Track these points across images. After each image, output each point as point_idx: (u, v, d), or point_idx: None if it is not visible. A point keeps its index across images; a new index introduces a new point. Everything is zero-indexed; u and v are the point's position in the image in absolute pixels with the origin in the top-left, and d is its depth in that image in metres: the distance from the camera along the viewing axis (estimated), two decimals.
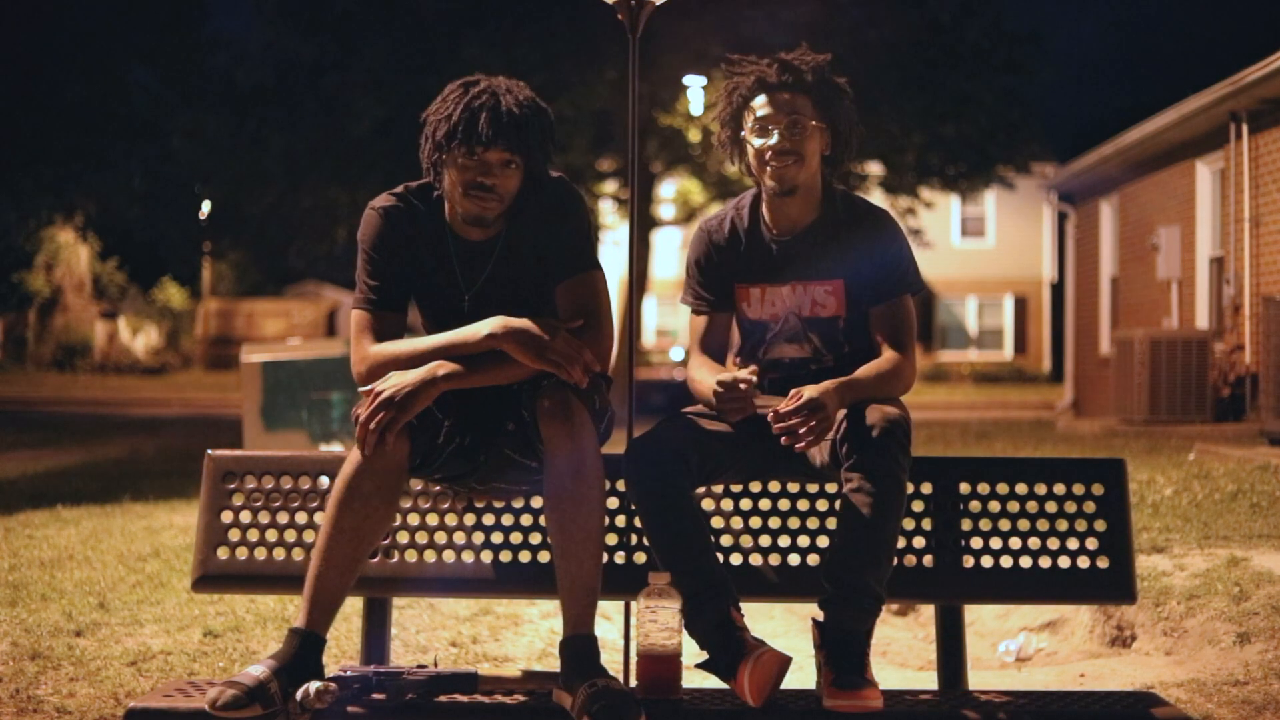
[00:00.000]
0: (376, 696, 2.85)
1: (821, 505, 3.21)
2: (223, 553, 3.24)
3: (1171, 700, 3.41)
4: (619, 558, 3.18)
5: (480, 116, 2.92)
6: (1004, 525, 3.19)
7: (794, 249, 3.20)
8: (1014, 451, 10.92)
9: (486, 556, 3.20)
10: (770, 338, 3.22)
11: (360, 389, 2.94)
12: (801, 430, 2.89)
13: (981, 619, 5.30)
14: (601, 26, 15.94)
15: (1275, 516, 6.13)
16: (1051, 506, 3.20)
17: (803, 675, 3.06)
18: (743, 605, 2.97)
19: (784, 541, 3.19)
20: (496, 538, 3.21)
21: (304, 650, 2.80)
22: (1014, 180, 21.88)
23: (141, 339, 40.40)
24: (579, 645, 2.82)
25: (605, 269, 3.17)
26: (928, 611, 5.22)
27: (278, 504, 3.25)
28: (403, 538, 3.22)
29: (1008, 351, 36.87)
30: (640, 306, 25.91)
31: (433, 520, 3.24)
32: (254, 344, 14.57)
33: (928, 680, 3.89)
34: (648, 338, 35.09)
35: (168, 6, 26.97)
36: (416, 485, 3.22)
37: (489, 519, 3.22)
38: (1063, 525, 3.18)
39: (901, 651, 5.21)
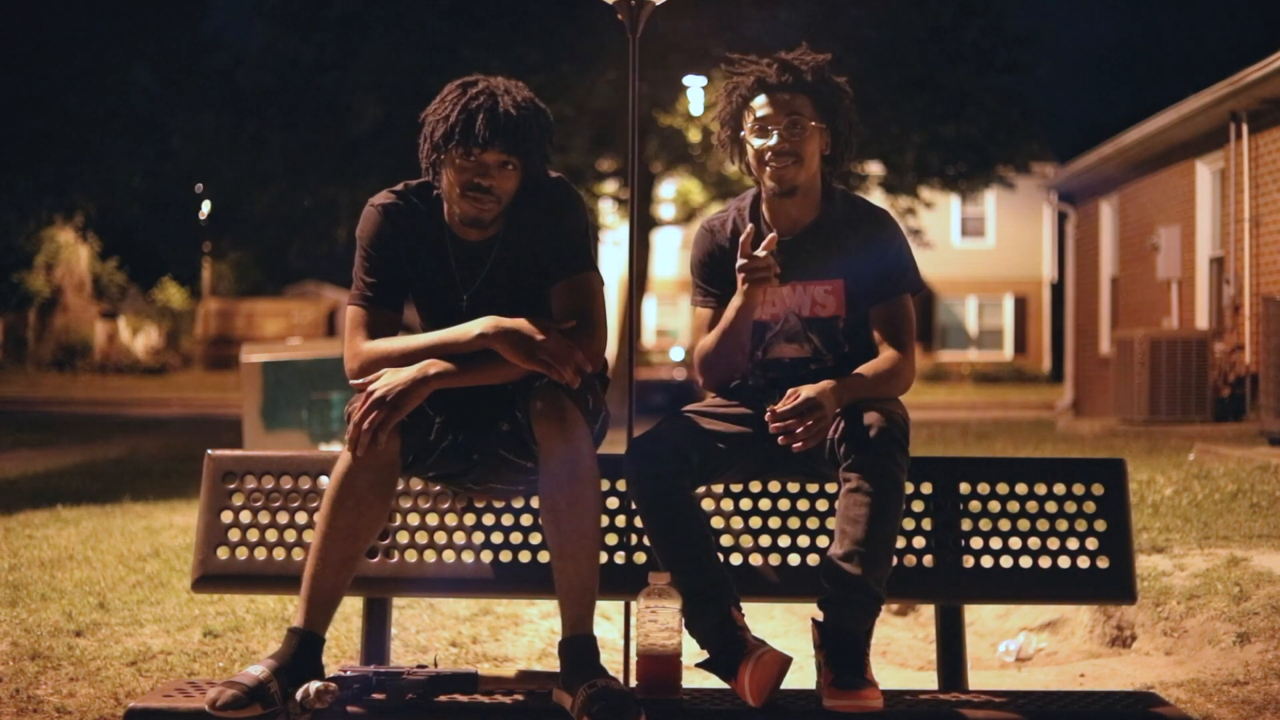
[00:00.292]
0: (376, 696, 2.85)
1: (821, 505, 3.21)
2: (223, 553, 3.24)
3: (1171, 700, 3.41)
4: (619, 558, 3.18)
5: (478, 117, 2.92)
6: (1004, 525, 3.19)
7: (794, 249, 3.19)
8: (1014, 451, 10.92)
9: (486, 556, 3.20)
10: (770, 337, 3.22)
11: (352, 383, 2.94)
12: (799, 430, 2.89)
13: (981, 619, 5.30)
14: (601, 26, 15.95)
15: (1275, 516, 6.13)
16: (1051, 506, 3.20)
17: (803, 675, 3.06)
18: (743, 605, 2.97)
19: (784, 541, 3.19)
20: (496, 538, 3.21)
21: (303, 650, 2.80)
22: (1014, 180, 21.90)
23: (141, 339, 40.40)
24: (578, 645, 2.82)
25: (605, 269, 3.19)
26: (928, 611, 5.22)
27: (278, 504, 3.25)
28: (403, 538, 3.22)
29: (1008, 351, 36.88)
30: (640, 306, 25.93)
31: (433, 520, 3.24)
32: (254, 344, 14.57)
33: (928, 680, 3.89)
34: (648, 338, 35.08)
35: (168, 6, 26.96)
36: (416, 485, 3.22)
37: (489, 519, 3.22)
38: (1063, 525, 3.18)
39: (901, 651, 5.21)
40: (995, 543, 3.18)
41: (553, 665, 3.25)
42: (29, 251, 34.58)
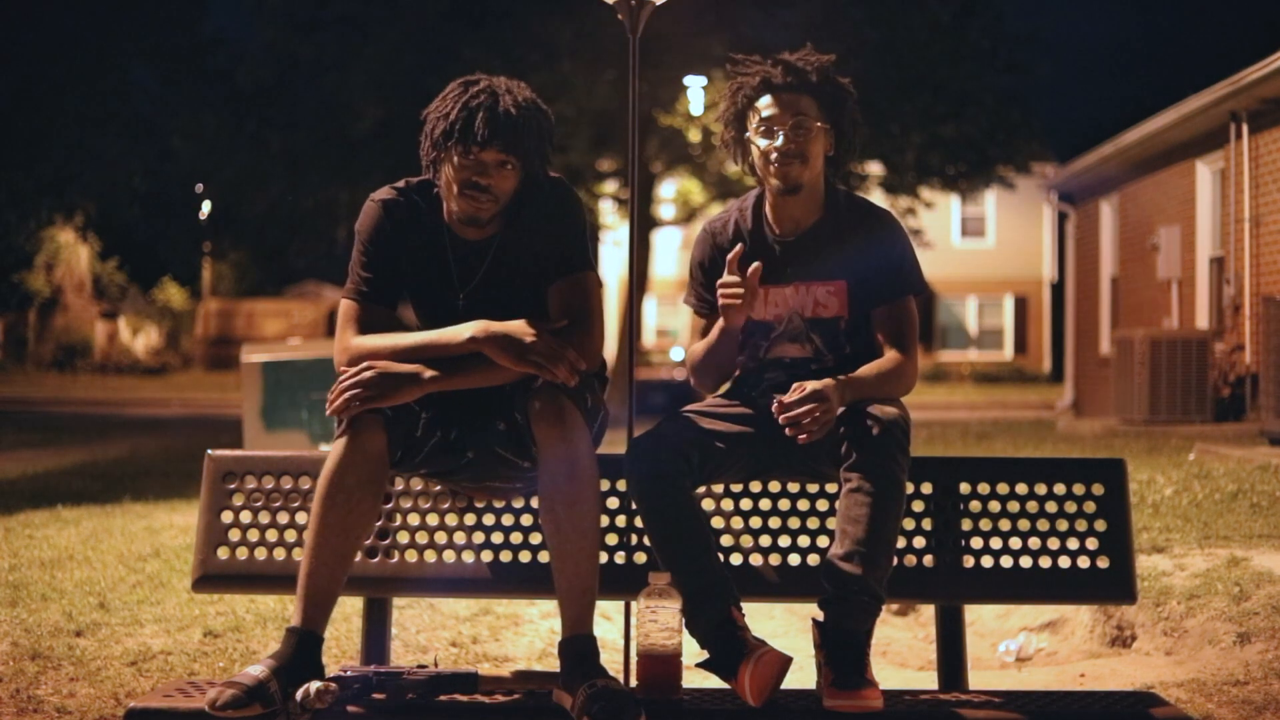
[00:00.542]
0: (376, 696, 2.85)
1: (821, 505, 3.21)
2: (223, 553, 3.24)
3: (1171, 700, 3.41)
4: (619, 558, 3.18)
5: (477, 116, 2.92)
6: (1004, 525, 3.19)
7: (797, 249, 3.20)
8: (1014, 451, 10.92)
9: (486, 556, 3.20)
10: (773, 337, 3.23)
11: (340, 373, 2.95)
12: (806, 420, 2.89)
13: (981, 619, 5.30)
14: (601, 26, 15.95)
15: (1275, 516, 6.13)
16: (1051, 506, 3.20)
17: (803, 675, 3.06)
18: (743, 605, 2.97)
19: (784, 541, 3.19)
20: (496, 538, 3.21)
21: (302, 649, 2.80)
22: (1014, 180, 21.91)
23: (141, 339, 40.40)
24: (578, 646, 2.82)
25: (605, 269, 3.19)
26: (928, 611, 5.22)
27: (278, 504, 3.25)
28: (403, 538, 3.22)
29: (1008, 351, 36.88)
30: (640, 306, 25.92)
31: (433, 520, 3.24)
32: (254, 344, 14.56)
33: (928, 680, 3.89)
34: (648, 338, 35.09)
35: (168, 6, 26.95)
36: (416, 485, 3.23)
37: (489, 519, 3.22)
38: (1063, 525, 3.18)
39: (901, 651, 5.21)
40: (995, 543, 3.18)
41: (553, 665, 3.25)
42: (29, 251, 34.55)
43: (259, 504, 3.25)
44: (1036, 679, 4.32)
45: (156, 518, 7.28)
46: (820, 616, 2.92)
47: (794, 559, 3.18)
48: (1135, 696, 3.00)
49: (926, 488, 3.18)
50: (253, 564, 3.23)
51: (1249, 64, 12.23)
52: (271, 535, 3.25)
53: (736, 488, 3.22)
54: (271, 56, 19.94)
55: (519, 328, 2.88)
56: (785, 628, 5.21)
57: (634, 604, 2.99)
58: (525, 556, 3.19)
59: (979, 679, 3.42)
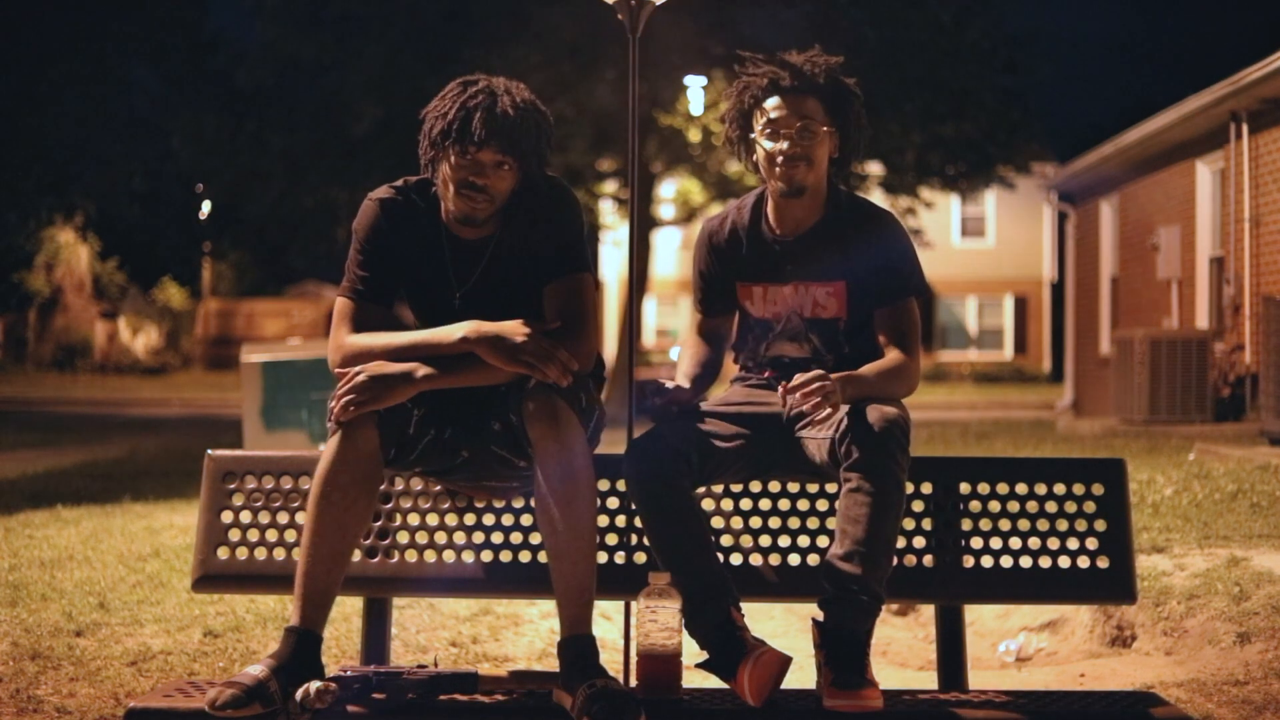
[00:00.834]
0: (376, 696, 2.84)
1: (821, 505, 3.21)
2: (223, 553, 3.24)
3: (1171, 700, 3.41)
4: (619, 558, 3.18)
5: (475, 116, 2.92)
6: (1004, 525, 3.19)
7: (796, 249, 3.20)
8: (1014, 451, 10.91)
9: (486, 556, 3.20)
10: (772, 336, 3.23)
11: (335, 373, 2.96)
12: (813, 388, 2.88)
13: (981, 619, 5.30)
14: (601, 26, 15.94)
15: (1275, 516, 6.13)
16: (1051, 506, 3.20)
17: (803, 675, 3.06)
18: (743, 605, 2.97)
19: (784, 541, 3.19)
20: (496, 538, 3.21)
21: (302, 648, 2.80)
22: (1014, 180, 21.90)
23: (141, 339, 40.39)
24: (578, 646, 2.82)
25: (605, 269, 3.20)
26: (928, 611, 5.22)
27: (278, 504, 3.25)
28: (403, 538, 3.22)
29: (1008, 351, 36.88)
30: (640, 306, 25.92)
31: (432, 520, 3.24)
32: (254, 344, 14.56)
33: (928, 680, 3.89)
34: (648, 338, 35.09)
35: (168, 6, 26.97)
36: (416, 485, 3.23)
37: (488, 519, 3.22)
38: (1063, 525, 3.18)
39: (901, 651, 5.21)
40: (995, 543, 3.18)
41: (553, 665, 3.25)
42: (29, 251, 34.59)
43: (259, 504, 3.25)
44: (1036, 679, 4.32)
45: (156, 518, 7.29)
46: (820, 616, 2.92)
47: (794, 559, 3.18)
48: (1135, 696, 3.00)
49: (926, 488, 3.18)
50: (253, 564, 3.23)
51: (1249, 64, 12.23)
52: (271, 535, 3.25)
53: (736, 488, 3.22)
54: (271, 56, 19.91)
55: (511, 328, 2.88)
56: (785, 628, 5.21)
57: (634, 604, 2.99)
58: (525, 556, 3.19)
59: (979, 679, 3.42)
